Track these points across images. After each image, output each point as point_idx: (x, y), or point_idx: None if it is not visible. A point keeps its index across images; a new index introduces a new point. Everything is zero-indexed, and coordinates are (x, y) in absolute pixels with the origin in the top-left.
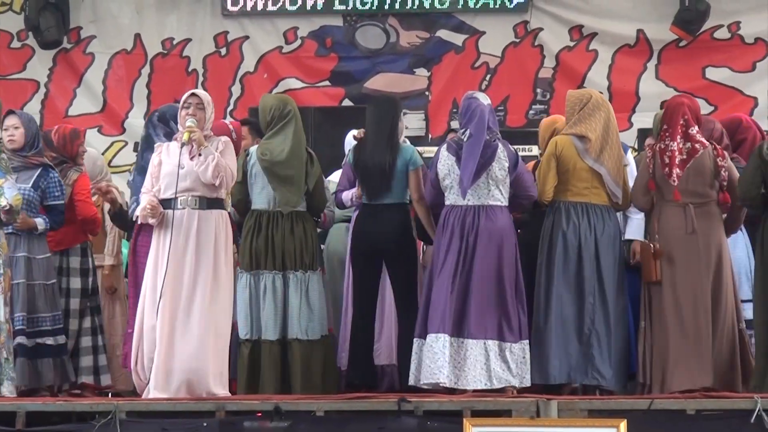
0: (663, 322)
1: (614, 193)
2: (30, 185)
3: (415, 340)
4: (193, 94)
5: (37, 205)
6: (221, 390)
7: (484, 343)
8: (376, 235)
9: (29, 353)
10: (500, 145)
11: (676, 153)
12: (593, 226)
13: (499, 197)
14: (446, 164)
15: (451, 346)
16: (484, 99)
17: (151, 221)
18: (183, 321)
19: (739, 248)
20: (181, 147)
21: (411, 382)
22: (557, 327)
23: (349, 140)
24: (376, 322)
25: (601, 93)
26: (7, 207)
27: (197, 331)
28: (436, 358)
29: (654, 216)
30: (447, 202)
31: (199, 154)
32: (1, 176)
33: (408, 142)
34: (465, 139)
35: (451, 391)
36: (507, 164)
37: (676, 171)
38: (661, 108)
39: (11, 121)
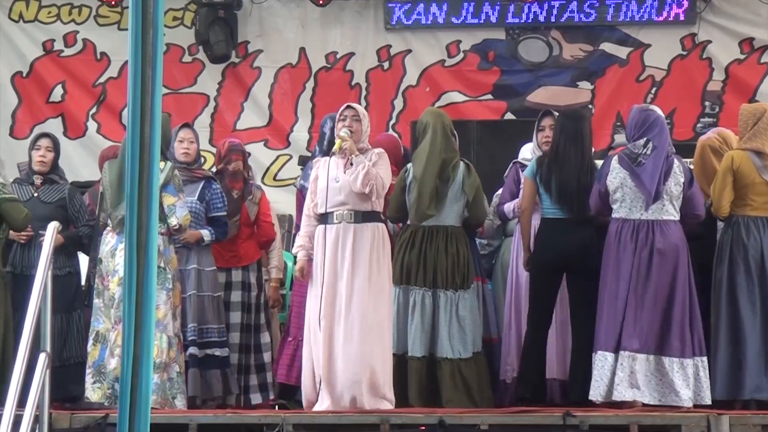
0: None
1: None
2: (196, 198)
3: (597, 353)
4: (348, 107)
5: (203, 217)
6: (383, 402)
7: (655, 359)
8: (565, 248)
9: (199, 363)
10: (675, 160)
11: None
12: None
13: (673, 212)
14: (618, 177)
15: (634, 360)
16: (660, 111)
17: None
18: (343, 335)
19: None
20: (330, 156)
21: (593, 397)
22: (730, 344)
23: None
24: None
25: None
26: (177, 226)
27: (357, 345)
28: (625, 375)
29: None
30: (617, 215)
31: (351, 164)
32: (174, 195)
33: None
34: (648, 152)
35: (617, 405)
36: (682, 180)
37: None
38: None
39: (188, 134)
